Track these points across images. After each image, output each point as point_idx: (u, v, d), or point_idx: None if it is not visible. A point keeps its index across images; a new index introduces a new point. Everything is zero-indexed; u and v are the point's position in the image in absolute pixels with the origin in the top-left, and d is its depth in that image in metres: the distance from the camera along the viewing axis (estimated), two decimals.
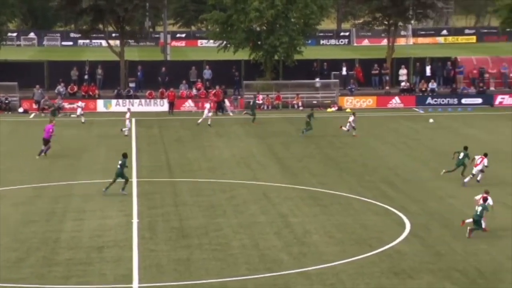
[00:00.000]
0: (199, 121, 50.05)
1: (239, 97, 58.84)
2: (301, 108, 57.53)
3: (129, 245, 25.61)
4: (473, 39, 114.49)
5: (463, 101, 58.39)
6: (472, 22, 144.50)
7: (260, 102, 57.66)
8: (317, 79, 61.04)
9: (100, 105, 57.31)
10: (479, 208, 26.28)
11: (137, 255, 24.65)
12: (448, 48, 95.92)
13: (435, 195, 32.09)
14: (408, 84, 61.80)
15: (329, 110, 56.82)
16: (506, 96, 58.69)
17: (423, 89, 60.79)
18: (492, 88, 61.93)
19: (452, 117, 53.83)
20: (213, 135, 47.33)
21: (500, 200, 30.88)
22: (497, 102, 58.38)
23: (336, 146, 43.36)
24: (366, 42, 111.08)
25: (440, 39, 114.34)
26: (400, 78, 62.53)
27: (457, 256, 24.36)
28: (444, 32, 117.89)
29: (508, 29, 66.03)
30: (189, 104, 58.01)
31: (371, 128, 48.44)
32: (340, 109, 57.43)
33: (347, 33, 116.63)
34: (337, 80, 61.03)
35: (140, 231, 27.25)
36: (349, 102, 58.69)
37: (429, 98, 58.93)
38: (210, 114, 50.20)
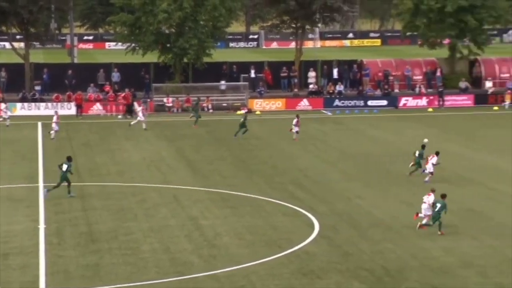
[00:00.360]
0: (132, 123, 49.53)
1: (148, 100, 58.39)
2: (211, 111, 57.53)
3: (36, 252, 25.07)
4: (378, 42, 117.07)
5: (369, 103, 59.62)
6: (377, 26, 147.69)
7: (170, 105, 57.37)
8: (223, 82, 61.13)
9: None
10: (438, 205, 26.93)
11: (44, 262, 24.15)
12: (354, 51, 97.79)
13: (343, 196, 32.65)
14: (316, 86, 62.67)
15: (239, 112, 56.96)
16: (410, 98, 60.23)
17: (331, 91, 61.77)
18: (396, 90, 63.45)
19: (359, 118, 54.88)
20: (122, 138, 46.81)
21: (404, 200, 31.70)
22: (401, 104, 59.84)
23: (246, 148, 43.57)
24: (274, 44, 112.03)
25: (347, 42, 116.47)
26: (309, 80, 63.36)
27: (364, 256, 24.85)
28: (350, 35, 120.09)
29: (409, 33, 67.68)
30: (97, 107, 57.21)
31: (281, 130, 48.89)
32: (250, 111, 57.70)
33: (256, 36, 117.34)
34: (246, 83, 61.32)
35: (47, 237, 26.70)
36: (259, 104, 59.08)
37: (337, 100, 59.91)
38: (144, 117, 49.52)
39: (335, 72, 64.31)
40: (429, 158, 34.69)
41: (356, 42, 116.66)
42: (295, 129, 45.38)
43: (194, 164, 39.27)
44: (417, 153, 35.58)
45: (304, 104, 59.58)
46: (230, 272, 23.38)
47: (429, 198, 27.51)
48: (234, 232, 27.37)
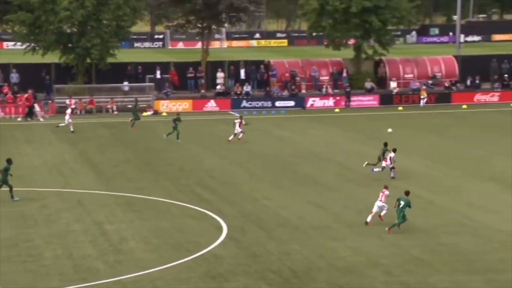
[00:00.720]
0: (61, 125, 48.36)
1: (49, 101, 57.23)
2: (115, 112, 56.86)
3: None
4: (285, 42, 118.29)
5: (277, 104, 60.19)
6: (284, 26, 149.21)
7: (73, 106, 56.38)
8: (126, 83, 60.53)
9: None
10: (402, 203, 27.37)
11: None
12: (261, 51, 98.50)
13: (250, 197, 32.85)
14: (224, 87, 62.82)
15: (145, 114, 56.58)
16: (317, 99, 61.12)
17: (238, 92, 62.05)
18: (303, 91, 64.29)
19: (266, 119, 55.33)
20: (22, 141, 45.74)
21: (312, 200, 32.14)
22: (308, 104, 60.67)
23: (152, 150, 43.28)
24: (180, 45, 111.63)
25: (254, 43, 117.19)
26: (218, 81, 63.44)
27: (272, 257, 25.07)
28: (257, 35, 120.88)
29: (315, 34, 68.73)
30: None
31: (188, 131, 48.77)
32: (156, 113, 57.37)
33: (161, 36, 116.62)
34: (152, 84, 60.91)
35: None
36: (165, 105, 58.79)
37: (244, 101, 60.24)
38: (70, 120, 48.33)
39: (242, 73, 64.66)
40: (388, 155, 35.89)
41: (263, 42, 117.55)
42: (238, 130, 45.05)
43: (98, 167, 38.74)
44: (383, 151, 36.85)
45: (212, 105, 59.63)
46: (136, 278, 23.18)
47: (385, 194, 28.22)
48: (140, 237, 27.15)
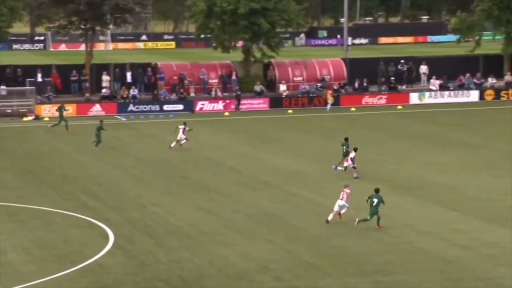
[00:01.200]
0: None
1: None
2: None
3: None
4: (173, 44, 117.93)
5: (165, 107, 59.87)
6: (171, 28, 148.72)
7: None
8: (3, 87, 58.85)
9: None
10: (375, 200, 28.03)
11: None
12: (148, 54, 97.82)
13: (138, 203, 32.54)
14: (109, 91, 62.01)
15: (25, 119, 55.18)
16: (206, 102, 61.18)
17: (125, 96, 61.38)
18: (192, 94, 64.23)
19: (155, 124, 54.95)
20: None
21: (202, 206, 32.14)
22: (197, 108, 60.64)
23: (33, 157, 42.25)
24: (63, 47, 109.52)
25: (140, 45, 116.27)
26: (103, 84, 62.56)
27: (161, 265, 24.90)
28: (144, 37, 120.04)
29: (203, 36, 68.81)
30: None
31: (71, 137, 47.87)
32: (37, 118, 56.02)
33: (42, 38, 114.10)
34: (33, 87, 59.41)
35: None
36: (47, 110, 57.46)
37: (131, 105, 59.64)
38: None
39: (128, 76, 64.01)
40: (350, 155, 36.86)
41: (150, 44, 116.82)
42: (181, 136, 44.19)
43: None
44: (344, 148, 37.85)
45: (97, 109, 58.73)
46: None
47: (346, 193, 28.99)
48: (22, 248, 26.43)
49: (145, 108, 59.53)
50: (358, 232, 28.17)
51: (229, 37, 65.01)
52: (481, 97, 64.53)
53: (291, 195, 33.90)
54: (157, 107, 59.76)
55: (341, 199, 29.12)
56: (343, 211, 29.22)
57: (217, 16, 63.82)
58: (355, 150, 37.19)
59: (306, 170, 38.93)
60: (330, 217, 29.05)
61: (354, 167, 36.72)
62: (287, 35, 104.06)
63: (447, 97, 64.13)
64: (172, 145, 43.96)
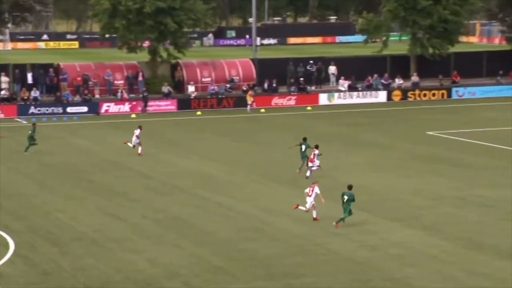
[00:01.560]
0: None
1: None
2: None
3: None
4: (76, 44, 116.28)
5: (69, 109, 58.92)
6: (74, 27, 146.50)
7: None
8: None
9: None
10: (346, 197, 28.42)
11: None
12: (50, 54, 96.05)
13: (41, 210, 31.92)
14: (8, 92, 60.63)
15: None
16: (112, 104, 60.48)
17: (25, 97, 60.11)
18: (97, 96, 63.41)
19: (58, 126, 54.03)
20: None
21: (109, 212, 31.74)
22: (103, 110, 59.88)
23: None
24: None
25: (41, 44, 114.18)
26: (2, 86, 61.13)
27: (65, 274, 24.48)
28: (45, 37, 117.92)
29: (108, 35, 68.01)
30: None
31: None
32: None
33: None
34: None
35: None
36: None
37: (32, 107, 58.47)
38: None
39: (29, 77, 62.70)
40: (313, 153, 36.84)
41: (51, 44, 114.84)
42: (136, 141, 43.12)
43: None
44: (303, 148, 37.78)
45: None
46: None
47: (315, 190, 29.37)
48: None
49: (47, 110, 58.45)
50: (267, 235, 28.36)
51: (134, 37, 64.49)
52: (389, 97, 65.97)
53: (200, 199, 33.87)
54: (60, 109, 58.76)
55: (309, 196, 29.73)
56: (303, 208, 29.83)
57: (122, 15, 63.21)
58: (317, 147, 37.46)
59: (215, 173, 38.96)
60: (314, 215, 29.74)
61: (318, 166, 36.98)
62: (195, 35, 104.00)
63: (356, 98, 65.29)
64: (140, 151, 43.08)
